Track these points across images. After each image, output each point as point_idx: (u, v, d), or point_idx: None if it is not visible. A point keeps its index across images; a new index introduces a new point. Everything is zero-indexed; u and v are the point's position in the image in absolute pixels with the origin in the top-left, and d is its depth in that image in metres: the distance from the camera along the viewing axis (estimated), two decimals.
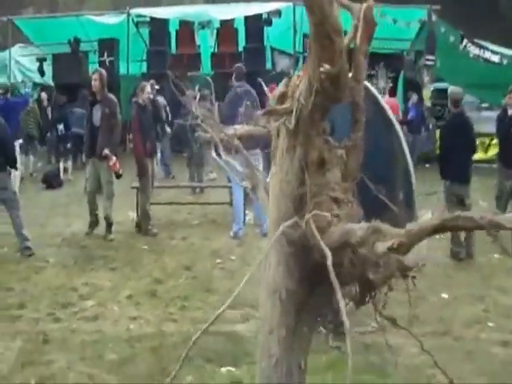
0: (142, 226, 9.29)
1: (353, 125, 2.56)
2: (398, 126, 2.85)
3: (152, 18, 18.08)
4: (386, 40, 16.78)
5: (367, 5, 2.46)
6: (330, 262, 2.20)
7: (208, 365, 4.92)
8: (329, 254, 2.21)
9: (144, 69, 18.86)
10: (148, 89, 10.06)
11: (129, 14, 17.86)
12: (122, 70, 18.77)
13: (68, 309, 6.25)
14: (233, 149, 3.25)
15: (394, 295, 2.42)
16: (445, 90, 12.89)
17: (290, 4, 16.60)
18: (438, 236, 2.31)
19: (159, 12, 18.50)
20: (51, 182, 13.68)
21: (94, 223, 9.25)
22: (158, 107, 12.31)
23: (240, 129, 3.33)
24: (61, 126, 14.92)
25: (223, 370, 4.90)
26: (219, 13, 17.81)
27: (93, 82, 9.25)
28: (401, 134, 2.83)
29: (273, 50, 18.42)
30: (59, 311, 6.18)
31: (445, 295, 6.56)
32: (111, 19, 18.37)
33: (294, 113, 2.42)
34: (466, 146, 8.00)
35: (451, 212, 6.59)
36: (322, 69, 2.22)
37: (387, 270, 2.33)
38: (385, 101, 13.08)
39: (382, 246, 2.20)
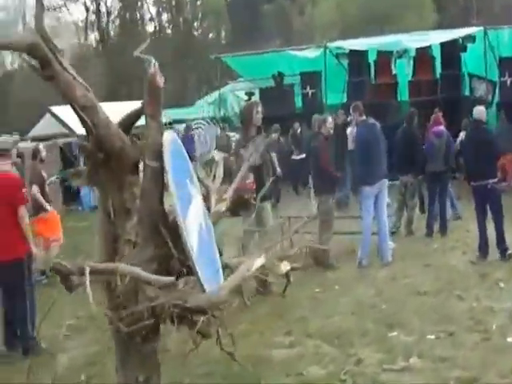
0: None
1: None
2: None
3: (351, 50, 18.76)
4: None
5: (151, 73, 2.98)
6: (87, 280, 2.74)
7: None
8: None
9: (344, 99, 19.48)
10: (330, 120, 10.35)
11: (326, 48, 18.74)
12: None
13: None
14: None
15: None
16: None
17: (481, 28, 16.19)
18: None
19: (357, 44, 19.04)
20: None
21: None
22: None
23: None
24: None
25: None
26: (414, 41, 17.95)
27: (259, 116, 8.48)
28: None
29: (470, 76, 17.93)
30: None
31: None
32: (311, 53, 19.41)
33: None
34: None
35: None
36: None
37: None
38: None
39: None
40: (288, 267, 3.74)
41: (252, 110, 8.45)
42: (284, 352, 6.13)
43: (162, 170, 3.17)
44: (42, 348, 6.64)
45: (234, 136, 17.19)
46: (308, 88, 19.57)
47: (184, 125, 21.92)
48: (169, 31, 42.31)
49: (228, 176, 5.48)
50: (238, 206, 7.07)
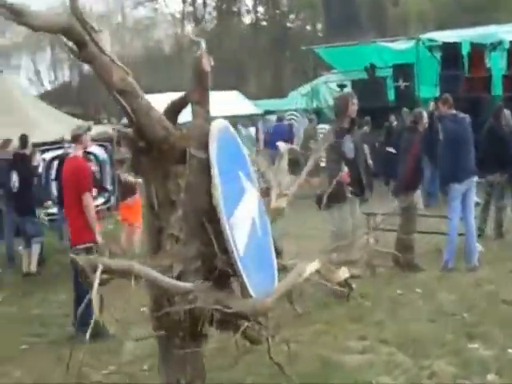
0: None
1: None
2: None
3: (444, 42, 17.86)
4: None
5: (197, 56, 2.61)
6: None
7: None
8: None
9: (437, 93, 18.57)
10: (425, 114, 9.26)
11: (419, 40, 17.95)
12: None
13: None
14: None
15: None
16: None
17: None
18: None
19: (450, 35, 18.10)
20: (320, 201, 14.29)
21: None
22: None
23: None
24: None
25: None
26: (508, 33, 16.85)
27: (354, 107, 8.00)
28: None
29: None
30: None
31: None
32: (403, 45, 18.68)
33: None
34: None
35: None
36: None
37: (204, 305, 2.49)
38: None
39: None
40: (347, 274, 3.30)
41: (348, 101, 8.00)
42: (356, 358, 5.67)
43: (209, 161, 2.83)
44: (109, 333, 6.51)
45: (324, 128, 16.70)
46: (401, 81, 18.82)
47: (275, 116, 21.67)
48: (265, 23, 41.93)
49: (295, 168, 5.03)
50: (334, 198, 6.65)
